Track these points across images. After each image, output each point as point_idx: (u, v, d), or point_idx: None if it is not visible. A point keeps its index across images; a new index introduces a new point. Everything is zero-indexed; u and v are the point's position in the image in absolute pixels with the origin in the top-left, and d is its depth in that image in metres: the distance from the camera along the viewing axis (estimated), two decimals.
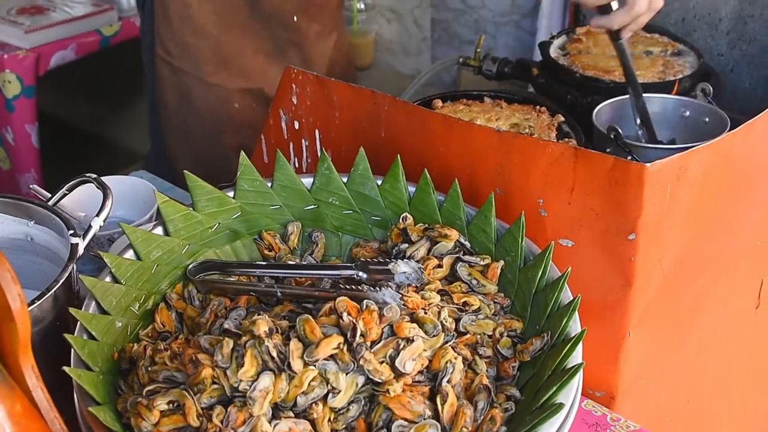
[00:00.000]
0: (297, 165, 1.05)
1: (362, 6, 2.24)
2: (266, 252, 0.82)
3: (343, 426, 0.62)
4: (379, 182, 0.84)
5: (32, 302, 0.68)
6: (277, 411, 0.61)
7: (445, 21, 2.18)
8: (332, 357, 0.62)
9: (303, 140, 1.03)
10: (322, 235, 0.83)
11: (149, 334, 0.72)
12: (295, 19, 1.43)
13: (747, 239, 1.01)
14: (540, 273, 0.74)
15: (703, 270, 0.93)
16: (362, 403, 0.63)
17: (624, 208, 0.77)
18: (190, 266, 0.78)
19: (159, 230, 0.78)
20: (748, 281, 1.08)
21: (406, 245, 0.79)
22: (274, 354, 0.61)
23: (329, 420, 0.61)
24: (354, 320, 0.63)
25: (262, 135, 1.08)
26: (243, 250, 0.82)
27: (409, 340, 0.64)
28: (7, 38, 2.05)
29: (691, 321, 0.96)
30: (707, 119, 1.17)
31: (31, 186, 0.98)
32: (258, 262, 0.79)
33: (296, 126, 1.03)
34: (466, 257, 0.77)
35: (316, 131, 1.01)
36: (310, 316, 0.64)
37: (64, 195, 0.82)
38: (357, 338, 0.62)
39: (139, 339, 0.72)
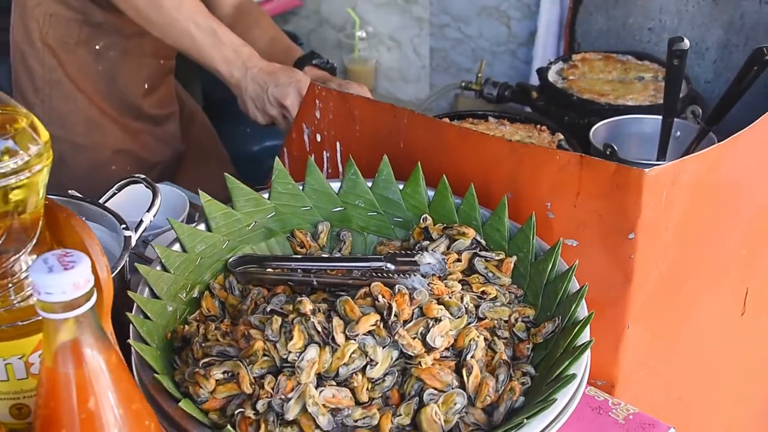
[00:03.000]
0: None
1: (363, 35, 2.34)
2: (298, 249, 0.89)
3: (380, 395, 0.69)
4: (401, 187, 0.92)
5: None
6: (320, 381, 0.69)
7: (444, 50, 2.28)
8: (370, 333, 0.70)
9: (324, 152, 1.11)
10: (350, 234, 0.91)
11: (197, 318, 0.79)
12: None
13: (733, 247, 1.09)
14: (550, 266, 0.82)
15: (694, 273, 1.01)
16: (396, 375, 0.70)
17: (625, 209, 0.85)
18: (231, 260, 0.85)
19: (202, 226, 0.86)
20: (734, 288, 1.17)
21: (428, 242, 0.87)
22: (320, 329, 0.69)
23: (367, 389, 0.69)
24: (389, 301, 0.71)
25: (285, 147, 1.16)
26: (277, 246, 0.90)
27: (437, 320, 0.72)
28: None
29: (682, 321, 1.04)
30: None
31: (69, 191, 1.05)
32: (293, 256, 0.87)
33: (318, 138, 1.11)
34: (483, 253, 0.85)
35: (338, 143, 1.09)
36: (349, 297, 0.72)
37: (114, 194, 0.89)
38: (392, 316, 0.70)
39: (188, 322, 0.79)
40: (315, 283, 0.80)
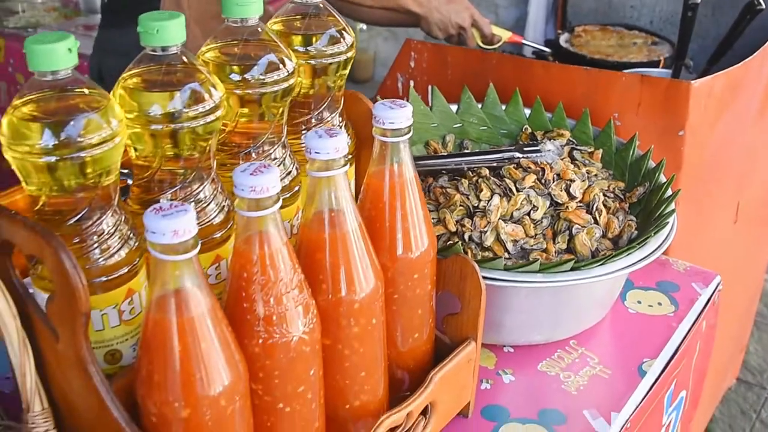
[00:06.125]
0: None
1: (363, 27, 2.61)
2: (432, 154, 1.16)
3: (540, 232, 0.97)
4: (504, 107, 1.20)
5: None
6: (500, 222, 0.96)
7: (435, 38, 2.57)
8: (531, 187, 0.97)
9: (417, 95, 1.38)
10: (470, 142, 1.18)
11: None
12: None
13: (734, 159, 1.42)
14: (631, 152, 1.11)
15: (715, 173, 1.33)
16: (549, 218, 0.98)
17: (676, 112, 1.16)
18: None
19: None
20: (730, 199, 1.49)
21: (534, 143, 1.15)
22: (499, 183, 0.96)
23: (533, 227, 0.96)
24: (540, 166, 0.99)
25: (378, 95, 1.43)
26: (416, 153, 1.16)
27: (572, 180, 1.00)
28: None
29: (708, 211, 1.35)
30: None
31: None
32: (438, 154, 1.13)
33: (411, 84, 1.38)
34: (578, 147, 1.13)
35: (429, 87, 1.36)
36: (509, 166, 1.00)
37: None
38: (545, 175, 0.98)
39: None
40: (465, 168, 1.07)
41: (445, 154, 1.14)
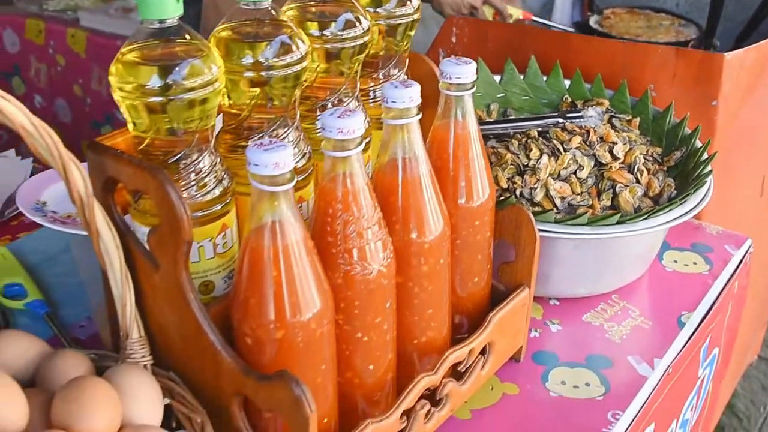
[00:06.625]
0: None
1: None
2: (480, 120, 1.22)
3: (585, 190, 1.02)
4: (545, 78, 1.26)
5: None
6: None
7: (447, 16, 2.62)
8: (577, 148, 1.03)
9: None
10: (513, 111, 1.24)
11: None
12: None
13: (763, 132, 1.47)
14: (668, 120, 1.16)
15: (744, 145, 1.38)
16: (594, 177, 1.03)
17: (710, 83, 1.21)
18: None
19: None
20: (757, 172, 1.54)
21: (576, 109, 1.20)
22: (547, 144, 1.01)
23: (579, 185, 1.02)
24: (585, 128, 1.05)
25: None
26: None
27: (614, 143, 1.05)
28: None
29: (735, 182, 1.40)
30: None
31: None
32: (484, 120, 1.19)
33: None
34: (617, 115, 1.19)
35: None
36: (557, 129, 1.05)
37: None
38: (590, 137, 1.03)
39: None
40: (511, 132, 1.12)
41: (489, 120, 1.19)
